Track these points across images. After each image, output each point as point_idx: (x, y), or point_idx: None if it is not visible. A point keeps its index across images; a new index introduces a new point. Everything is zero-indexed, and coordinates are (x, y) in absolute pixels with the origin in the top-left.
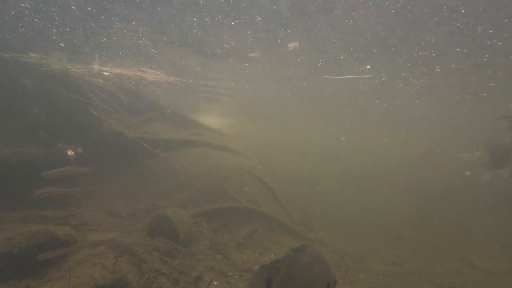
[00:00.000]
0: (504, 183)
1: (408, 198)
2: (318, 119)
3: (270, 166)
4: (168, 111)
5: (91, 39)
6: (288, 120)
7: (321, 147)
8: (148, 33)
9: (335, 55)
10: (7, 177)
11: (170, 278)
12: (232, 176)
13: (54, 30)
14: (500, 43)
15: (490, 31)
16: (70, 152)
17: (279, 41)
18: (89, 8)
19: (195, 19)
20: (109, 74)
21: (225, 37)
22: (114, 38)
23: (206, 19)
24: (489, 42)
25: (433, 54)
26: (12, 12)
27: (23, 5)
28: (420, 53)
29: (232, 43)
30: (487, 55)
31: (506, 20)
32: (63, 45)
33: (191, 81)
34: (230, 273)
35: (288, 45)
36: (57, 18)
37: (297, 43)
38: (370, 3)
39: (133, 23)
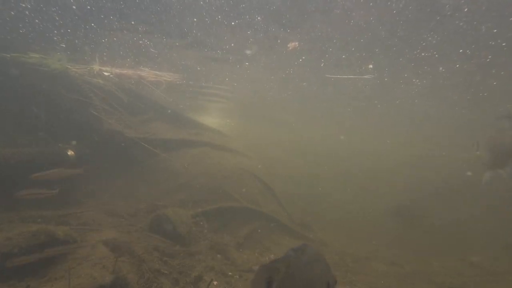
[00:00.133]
0: (504, 183)
1: (409, 199)
2: (318, 119)
3: (270, 166)
4: (168, 111)
5: (92, 39)
6: (289, 120)
7: (322, 147)
8: (148, 33)
9: (336, 55)
10: (7, 177)
11: (170, 278)
12: (232, 176)
13: (56, 31)
14: (504, 44)
15: (495, 31)
16: (70, 152)
17: (279, 41)
18: (88, 7)
19: (195, 19)
20: (109, 74)
21: (225, 38)
22: (115, 38)
23: (206, 19)
24: (493, 43)
25: (436, 55)
26: (13, 13)
27: (24, 5)
28: (423, 54)
29: (232, 44)
30: (490, 56)
31: (511, 19)
32: (64, 45)
33: (191, 82)
34: (230, 273)
35: (288, 45)
36: (57, 18)
37: (297, 43)
38: (371, 4)
39: (132, 22)
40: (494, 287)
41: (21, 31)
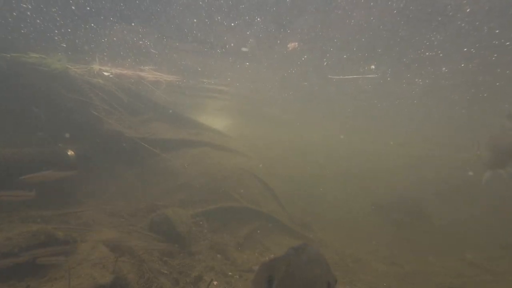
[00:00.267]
0: (504, 183)
1: (409, 198)
2: (319, 119)
3: (270, 166)
4: (168, 111)
5: (92, 39)
6: (289, 120)
7: (322, 147)
8: (148, 34)
9: (337, 55)
10: (7, 177)
11: (170, 278)
12: (232, 176)
13: (56, 31)
14: (508, 43)
15: (497, 31)
16: (70, 152)
17: (278, 41)
18: (88, 8)
19: (194, 20)
20: (109, 74)
21: (225, 38)
22: (115, 38)
23: (206, 20)
24: (496, 42)
25: (441, 55)
26: (14, 13)
27: (25, 6)
28: (427, 53)
29: (232, 44)
30: (495, 55)
31: None
32: (65, 45)
33: (191, 81)
34: (230, 273)
35: (288, 45)
36: (58, 19)
37: (296, 43)
38: (371, 4)
39: (133, 24)
40: (494, 287)
41: (22, 31)
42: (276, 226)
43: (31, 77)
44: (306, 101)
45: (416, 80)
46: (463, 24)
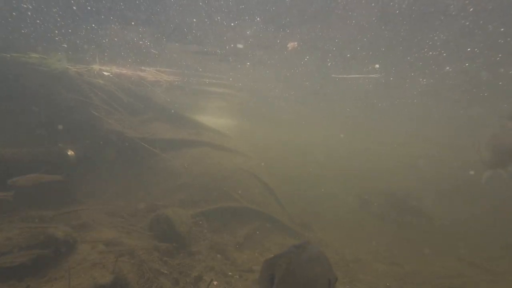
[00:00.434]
0: (504, 183)
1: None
2: (320, 119)
3: (270, 166)
4: (168, 111)
5: (93, 39)
6: (289, 120)
7: (322, 147)
8: (148, 34)
9: (338, 55)
10: (7, 177)
11: (170, 278)
12: (232, 176)
13: (57, 31)
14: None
15: (502, 29)
16: (70, 152)
17: (278, 41)
18: (89, 8)
19: (194, 20)
20: (109, 74)
21: (225, 38)
22: (115, 39)
23: (206, 20)
24: (502, 41)
25: (444, 54)
26: (14, 14)
27: (26, 6)
28: (431, 53)
29: (232, 44)
30: (500, 55)
31: None
32: (66, 46)
33: (192, 79)
34: (230, 273)
35: (288, 45)
36: (59, 19)
37: (296, 43)
38: (373, 4)
39: (132, 23)
40: (494, 287)
41: (23, 31)
42: (276, 226)
43: (31, 77)
44: (307, 101)
45: (420, 79)
46: (467, 23)
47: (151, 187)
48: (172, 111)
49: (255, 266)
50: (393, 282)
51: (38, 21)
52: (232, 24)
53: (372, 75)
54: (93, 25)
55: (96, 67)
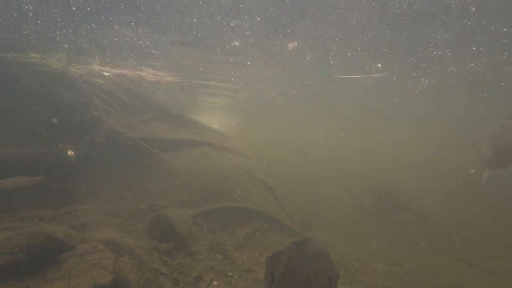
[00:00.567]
0: (504, 183)
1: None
2: (320, 119)
3: (270, 166)
4: (168, 111)
5: (93, 40)
6: (289, 119)
7: (322, 147)
8: (148, 34)
9: (339, 54)
10: (7, 177)
11: (170, 278)
12: (232, 176)
13: (58, 32)
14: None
15: (505, 29)
16: (70, 152)
17: (278, 41)
18: (88, 9)
19: (194, 20)
20: (109, 74)
21: (225, 38)
22: (115, 39)
23: (206, 20)
24: (506, 40)
25: (449, 54)
26: (15, 14)
27: (26, 7)
28: (433, 53)
29: (232, 44)
30: (506, 53)
31: None
32: (66, 46)
33: (195, 81)
34: (230, 273)
35: (288, 45)
36: (59, 20)
37: (296, 43)
38: (373, 4)
39: (132, 23)
40: (494, 287)
41: (24, 32)
42: (276, 226)
43: (31, 77)
44: (307, 101)
45: (422, 79)
46: (469, 23)
47: (151, 187)
48: (174, 111)
49: (255, 266)
50: (393, 282)
51: (39, 21)
52: (232, 24)
53: (374, 75)
54: (93, 25)
55: (96, 67)
